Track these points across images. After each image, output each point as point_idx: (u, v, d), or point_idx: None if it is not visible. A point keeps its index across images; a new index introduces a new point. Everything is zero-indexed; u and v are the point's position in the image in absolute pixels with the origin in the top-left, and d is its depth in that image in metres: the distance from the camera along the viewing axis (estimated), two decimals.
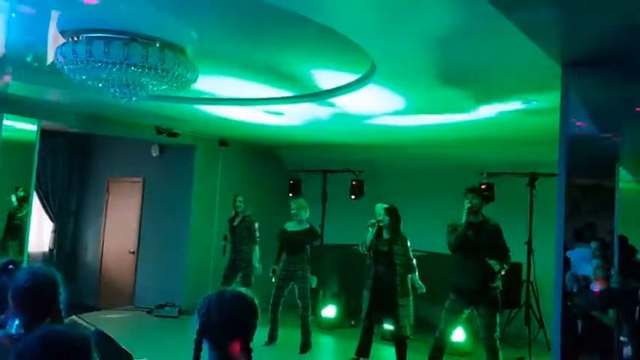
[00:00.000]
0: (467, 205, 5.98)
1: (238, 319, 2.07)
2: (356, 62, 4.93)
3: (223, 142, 9.98)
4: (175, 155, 10.03)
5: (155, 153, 10.14)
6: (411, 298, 6.56)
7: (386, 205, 6.72)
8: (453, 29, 3.82)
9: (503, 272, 5.96)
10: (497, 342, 5.97)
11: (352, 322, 8.76)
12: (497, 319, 5.98)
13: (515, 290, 8.26)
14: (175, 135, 9.15)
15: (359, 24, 3.93)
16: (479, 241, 5.94)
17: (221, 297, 2.09)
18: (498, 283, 6.00)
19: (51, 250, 10.65)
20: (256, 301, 2.12)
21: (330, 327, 8.89)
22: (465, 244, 5.96)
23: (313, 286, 7.60)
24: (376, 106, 6.57)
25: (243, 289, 2.15)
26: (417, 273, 6.61)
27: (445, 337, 6.12)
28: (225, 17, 4.07)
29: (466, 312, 6.11)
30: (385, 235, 6.64)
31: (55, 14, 4.17)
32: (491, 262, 5.89)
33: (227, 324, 2.05)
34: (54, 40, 4.50)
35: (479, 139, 8.17)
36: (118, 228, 10.62)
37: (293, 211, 7.61)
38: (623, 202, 6.00)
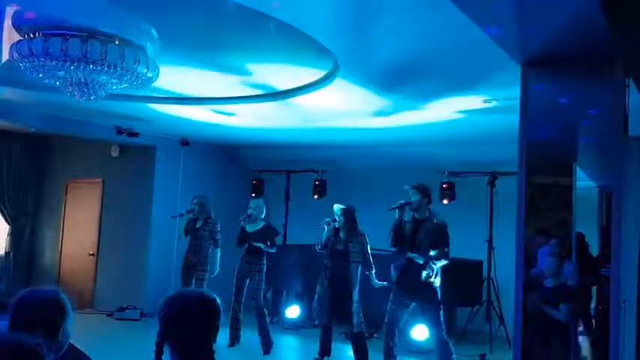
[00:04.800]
0: (412, 200, 6.10)
1: (200, 321, 2.03)
2: (318, 61, 4.93)
3: (185, 142, 9.86)
4: (136, 156, 9.88)
5: (115, 153, 9.96)
6: (357, 293, 6.56)
7: (342, 206, 6.73)
8: (415, 26, 3.85)
9: (434, 268, 5.92)
10: (445, 336, 6.05)
11: (316, 322, 8.75)
12: (441, 315, 6.02)
13: (476, 287, 8.37)
14: (136, 135, 9.01)
15: (321, 22, 3.93)
16: (415, 238, 6.03)
17: (182, 298, 2.04)
18: (434, 279, 5.99)
19: (7, 253, 10.38)
20: (218, 302, 2.08)
21: (293, 327, 8.87)
22: (402, 239, 6.09)
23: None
24: (338, 107, 6.58)
25: (205, 290, 2.11)
26: (373, 270, 6.63)
27: (393, 329, 6.17)
28: (186, 14, 4.02)
29: (410, 304, 6.15)
30: (341, 234, 6.66)
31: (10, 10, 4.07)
32: (412, 255, 5.94)
33: (189, 325, 2.01)
34: (9, 36, 4.39)
35: (440, 138, 8.26)
36: (77, 230, 10.41)
37: (250, 211, 7.54)
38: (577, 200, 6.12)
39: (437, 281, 6.04)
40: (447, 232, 6.07)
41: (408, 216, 6.19)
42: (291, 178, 10.07)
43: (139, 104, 7.08)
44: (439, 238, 6.03)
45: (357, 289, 6.55)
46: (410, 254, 5.98)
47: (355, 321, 6.49)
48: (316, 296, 6.83)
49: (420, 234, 6.05)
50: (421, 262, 5.94)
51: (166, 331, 2.00)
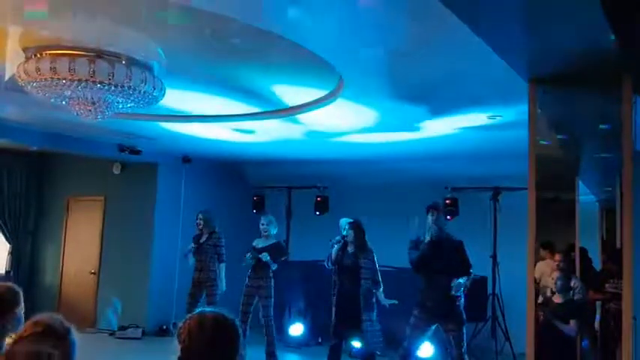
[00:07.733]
0: (430, 221, 5.98)
1: (220, 343, 2.00)
2: (323, 78, 4.94)
3: (186, 159, 9.87)
4: (138, 173, 9.85)
5: (117, 171, 9.95)
6: (375, 312, 6.50)
7: (350, 220, 6.69)
8: (422, 44, 3.87)
9: (464, 288, 5.91)
10: (466, 356, 5.97)
11: (319, 340, 8.70)
12: (464, 334, 5.98)
13: (481, 304, 8.32)
14: (138, 152, 9.01)
15: (327, 41, 3.94)
16: (438, 258, 5.90)
17: (201, 320, 2.01)
18: (460, 295, 5.97)
19: (7, 272, 10.31)
20: (237, 323, 2.06)
21: (297, 345, 8.81)
22: (425, 261, 5.95)
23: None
24: (342, 123, 6.58)
25: (224, 311, 2.08)
26: (381, 288, 6.57)
27: (410, 354, 6.09)
28: (191, 33, 4.03)
29: (432, 327, 6.06)
30: (350, 249, 6.61)
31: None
32: (454, 283, 5.81)
33: (209, 348, 1.98)
34: (14, 56, 4.39)
35: (443, 153, 8.26)
36: (79, 248, 10.35)
37: (263, 227, 7.50)
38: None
39: (462, 301, 5.97)
40: (465, 250, 6.02)
41: (426, 237, 6.04)
42: (292, 194, 10.07)
43: (141, 122, 7.08)
44: (462, 257, 5.96)
45: (375, 306, 6.46)
46: (454, 283, 5.81)
47: (369, 340, 6.41)
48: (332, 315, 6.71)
49: (442, 253, 5.91)
50: (462, 289, 5.85)
51: (186, 355, 1.97)
